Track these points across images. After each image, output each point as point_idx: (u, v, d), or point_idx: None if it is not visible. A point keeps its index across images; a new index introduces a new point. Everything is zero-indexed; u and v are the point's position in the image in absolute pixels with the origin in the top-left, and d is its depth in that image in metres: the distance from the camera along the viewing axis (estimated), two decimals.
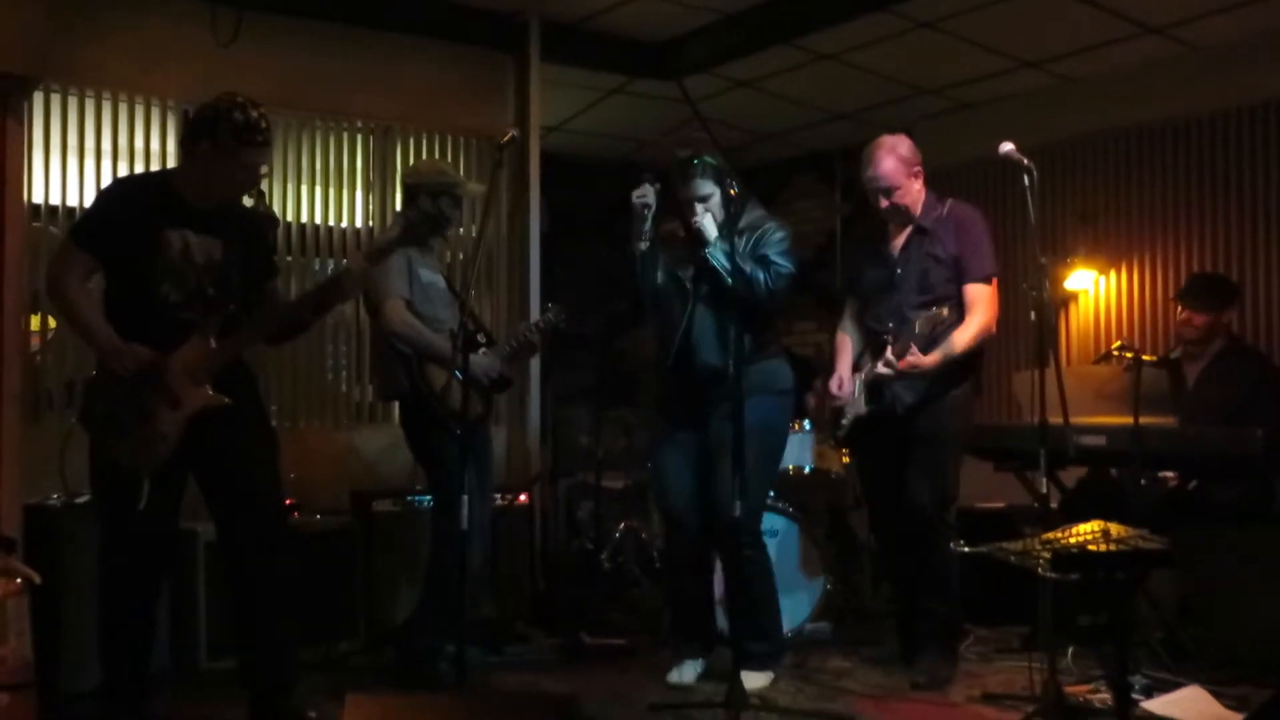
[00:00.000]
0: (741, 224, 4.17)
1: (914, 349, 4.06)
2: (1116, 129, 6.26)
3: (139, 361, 3.40)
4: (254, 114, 3.47)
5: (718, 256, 4.09)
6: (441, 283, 4.49)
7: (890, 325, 4.23)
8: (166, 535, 3.62)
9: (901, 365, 4.08)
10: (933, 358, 4.12)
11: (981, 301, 4.26)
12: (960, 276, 4.25)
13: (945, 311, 4.08)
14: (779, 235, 4.24)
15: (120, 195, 3.66)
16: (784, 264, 4.17)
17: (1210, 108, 5.89)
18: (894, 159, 4.26)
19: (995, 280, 4.31)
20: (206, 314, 3.52)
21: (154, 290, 3.49)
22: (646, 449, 4.59)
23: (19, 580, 2.63)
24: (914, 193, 4.31)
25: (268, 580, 3.59)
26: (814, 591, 5.04)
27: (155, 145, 5.13)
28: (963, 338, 4.20)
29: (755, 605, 4.24)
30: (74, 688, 3.96)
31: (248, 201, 3.65)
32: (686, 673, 4.27)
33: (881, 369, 4.13)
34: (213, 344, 3.49)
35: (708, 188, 4.16)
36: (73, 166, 5.01)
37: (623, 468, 6.06)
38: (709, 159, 4.20)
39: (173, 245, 3.50)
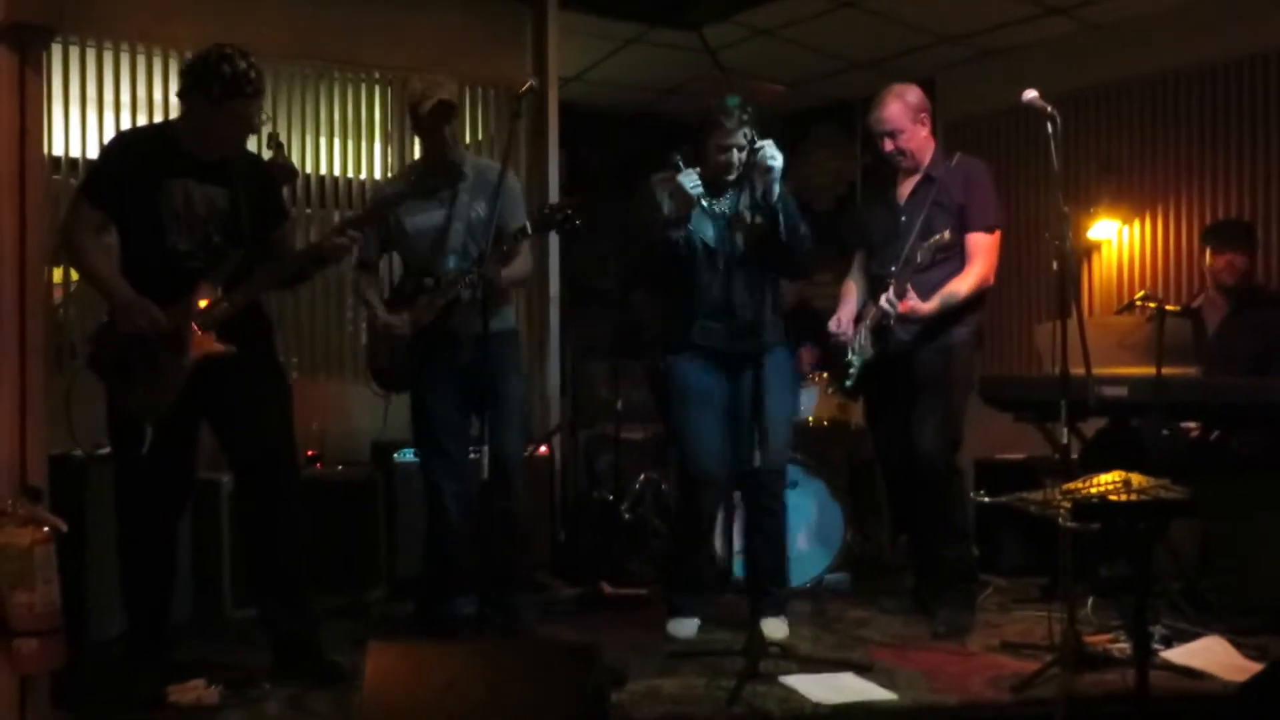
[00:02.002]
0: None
1: (911, 293, 4.09)
2: (1142, 76, 6.18)
3: (153, 323, 3.43)
4: (242, 65, 3.42)
5: (789, 205, 4.03)
6: (440, 220, 4.18)
7: (893, 270, 4.24)
8: (178, 481, 3.65)
9: (901, 308, 4.10)
10: (931, 304, 4.17)
11: (982, 251, 4.28)
12: (964, 225, 4.25)
13: (946, 234, 4.11)
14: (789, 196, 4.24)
15: (121, 148, 3.65)
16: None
17: (1238, 53, 5.80)
18: (899, 104, 4.33)
19: (999, 232, 4.33)
20: (213, 263, 3.53)
21: (161, 241, 3.50)
22: (654, 401, 4.50)
23: (46, 529, 2.66)
24: (920, 139, 4.36)
25: (279, 530, 3.63)
26: (833, 542, 5.06)
27: (173, 98, 5.11)
28: (961, 286, 4.24)
29: (778, 550, 4.26)
30: (101, 635, 4.03)
31: (267, 155, 3.65)
32: (688, 628, 4.28)
33: (883, 304, 4.14)
34: (219, 292, 3.51)
35: (748, 133, 4.03)
36: (92, 119, 5.02)
37: (642, 419, 6.06)
38: (747, 106, 4.13)
39: (176, 196, 3.51)
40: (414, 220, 4.18)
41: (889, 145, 4.37)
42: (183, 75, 3.52)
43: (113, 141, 3.71)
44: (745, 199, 4.11)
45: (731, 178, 4.17)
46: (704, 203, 4.15)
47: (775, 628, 4.13)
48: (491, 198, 4.04)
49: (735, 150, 4.08)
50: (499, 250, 3.97)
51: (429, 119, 4.09)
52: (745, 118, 4.07)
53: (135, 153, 3.56)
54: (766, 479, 4.11)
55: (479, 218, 4.13)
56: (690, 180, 4.06)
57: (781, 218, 3.99)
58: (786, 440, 4.33)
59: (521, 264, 4.22)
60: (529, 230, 4.03)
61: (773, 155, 3.92)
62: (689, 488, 4.30)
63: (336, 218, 5.52)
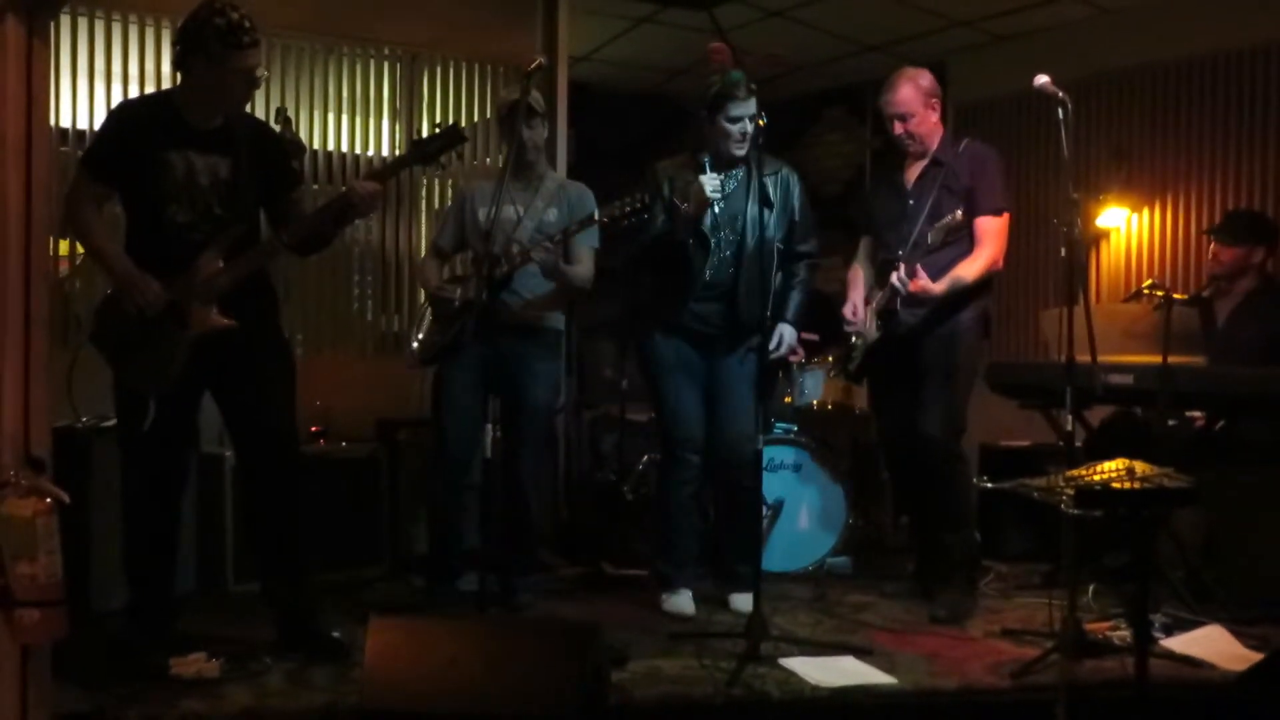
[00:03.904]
0: (766, 169, 4.21)
1: (922, 273, 4.09)
2: (1154, 63, 6.14)
3: (151, 294, 3.42)
4: (235, 15, 3.37)
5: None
6: (513, 216, 4.29)
7: (900, 254, 4.24)
8: (181, 455, 3.65)
9: (912, 287, 4.10)
10: (940, 285, 4.16)
11: (991, 235, 4.28)
12: (973, 209, 4.24)
13: (959, 214, 4.11)
14: (799, 186, 4.40)
15: (120, 120, 3.60)
16: (810, 248, 4.44)
17: (1251, 41, 5.76)
18: (912, 86, 4.32)
19: (1007, 215, 4.33)
20: (215, 234, 3.50)
21: (162, 213, 3.48)
22: (641, 375, 4.56)
23: (49, 500, 2.66)
24: (930, 124, 4.35)
25: (281, 506, 3.63)
26: (835, 526, 5.06)
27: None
28: (970, 269, 4.24)
29: (750, 531, 4.29)
30: (104, 606, 4.04)
31: (276, 127, 3.63)
32: (685, 602, 4.31)
33: (894, 283, 4.14)
34: (221, 264, 3.48)
35: (754, 107, 4.17)
36: (100, 91, 5.00)
37: (647, 400, 6.06)
38: (752, 81, 4.23)
39: (176, 167, 3.48)
40: (486, 211, 4.23)
41: (899, 128, 4.36)
42: (177, 38, 3.46)
43: (112, 113, 3.67)
44: (753, 208, 4.19)
45: (741, 152, 4.23)
46: (718, 202, 4.18)
47: (745, 602, 4.16)
48: (565, 207, 4.29)
49: (746, 121, 4.18)
50: (563, 235, 4.14)
51: (506, 117, 4.26)
52: (753, 89, 4.18)
53: (135, 124, 3.52)
54: (750, 458, 4.08)
55: (549, 222, 4.29)
56: (711, 184, 4.13)
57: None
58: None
59: (583, 270, 4.34)
60: (596, 216, 4.16)
61: (713, 189, 4.12)
62: (671, 458, 4.40)
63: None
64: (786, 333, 4.39)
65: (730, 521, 4.42)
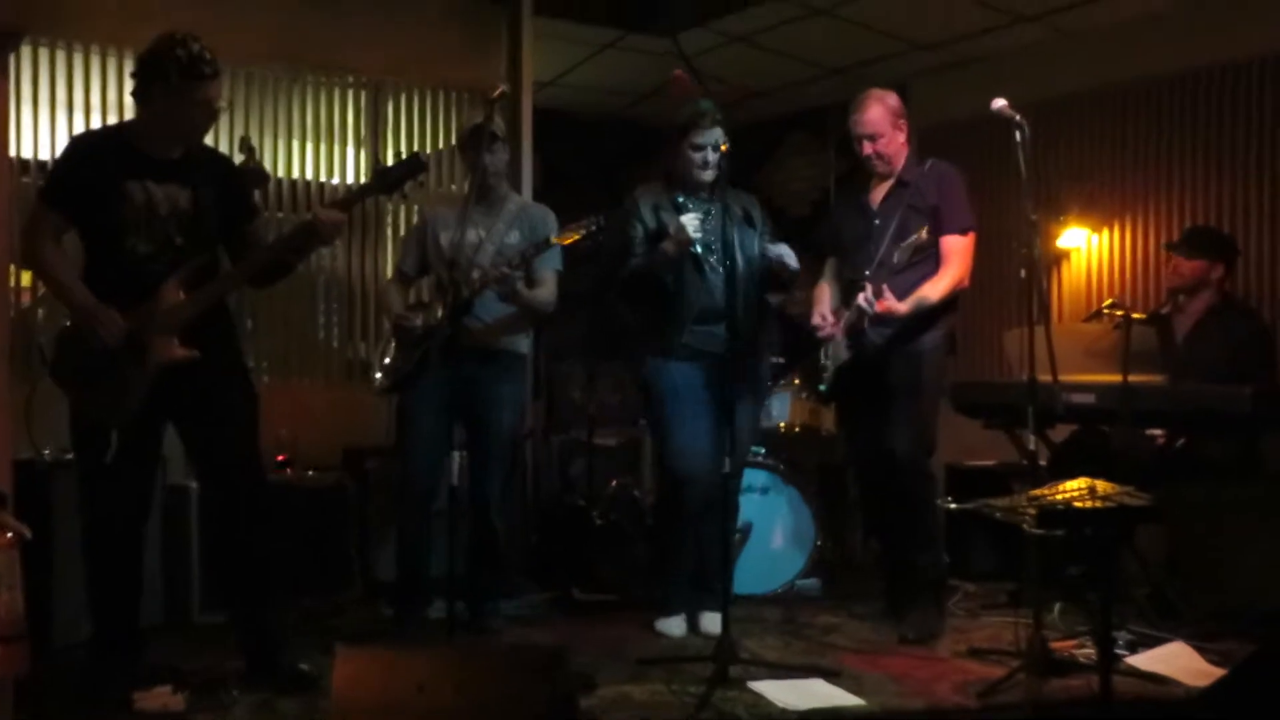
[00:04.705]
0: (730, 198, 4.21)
1: (889, 293, 4.12)
2: (1112, 85, 6.22)
3: (111, 325, 3.39)
4: (196, 47, 3.37)
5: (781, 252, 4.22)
6: (474, 240, 4.31)
7: (867, 274, 4.27)
8: (143, 487, 3.61)
9: (879, 307, 4.12)
10: (906, 305, 4.19)
11: (957, 254, 4.32)
12: (938, 228, 4.28)
13: (924, 233, 4.16)
14: (760, 213, 4.44)
15: (79, 150, 3.58)
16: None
17: (1206, 63, 5.84)
18: (881, 107, 4.37)
19: (972, 234, 4.37)
20: (176, 265, 3.48)
21: (122, 245, 3.46)
22: (638, 404, 4.58)
23: (10, 534, 2.64)
24: (897, 144, 4.41)
25: (246, 537, 3.61)
26: (804, 548, 5.08)
27: None
28: (935, 288, 4.27)
29: (728, 547, 4.32)
30: (67, 641, 4.00)
31: (238, 159, 3.62)
32: (678, 626, 4.32)
33: (861, 303, 4.16)
34: (182, 295, 3.46)
35: (721, 136, 4.23)
36: (61, 121, 4.98)
37: (615, 424, 6.07)
38: (718, 110, 4.29)
39: (135, 197, 3.45)
40: (449, 235, 4.28)
41: (868, 148, 4.40)
42: (137, 69, 3.45)
43: (70, 144, 3.64)
44: (737, 231, 4.21)
45: (706, 178, 4.27)
46: (697, 242, 4.20)
47: (712, 622, 4.17)
48: (526, 230, 4.32)
49: (710, 150, 4.23)
50: (520, 259, 4.15)
51: (468, 144, 4.33)
52: (719, 119, 4.24)
53: (93, 154, 3.50)
54: (732, 481, 4.13)
55: (510, 244, 4.32)
56: (693, 224, 4.15)
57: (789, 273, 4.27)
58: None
59: (545, 293, 4.36)
60: (551, 240, 4.20)
61: (694, 229, 4.14)
62: (674, 487, 4.34)
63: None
64: (784, 250, 4.31)
65: (710, 540, 4.33)
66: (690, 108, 4.31)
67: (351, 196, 3.94)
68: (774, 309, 4.52)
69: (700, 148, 4.24)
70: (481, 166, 4.17)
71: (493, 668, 2.97)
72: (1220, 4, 5.74)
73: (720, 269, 4.25)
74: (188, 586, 4.48)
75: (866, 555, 5.59)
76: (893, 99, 4.42)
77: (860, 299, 4.17)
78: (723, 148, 4.18)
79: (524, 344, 4.52)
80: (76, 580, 3.75)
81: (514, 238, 4.34)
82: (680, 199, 4.30)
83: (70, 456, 3.78)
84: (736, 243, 4.22)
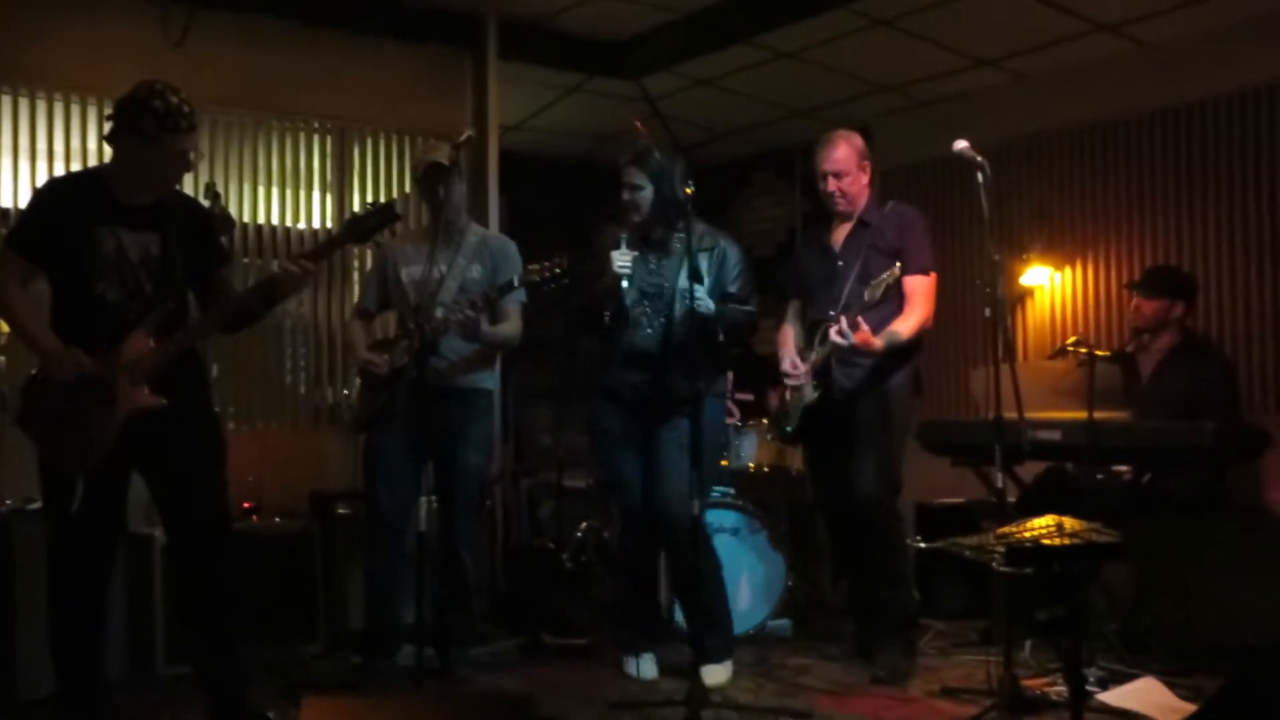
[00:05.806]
0: (700, 241, 4.16)
1: (864, 324, 4.12)
2: (1071, 125, 6.31)
3: (79, 369, 3.36)
4: (174, 100, 3.37)
5: (708, 306, 4.14)
6: (419, 272, 4.28)
7: (832, 314, 4.29)
8: (108, 536, 3.56)
9: (857, 338, 4.11)
10: (881, 339, 4.21)
11: (920, 293, 4.36)
12: (901, 269, 4.31)
13: (897, 269, 4.18)
14: (736, 258, 4.36)
15: (48, 197, 3.57)
16: (750, 308, 4.32)
17: (1163, 104, 5.94)
18: (848, 146, 4.44)
19: (934, 275, 4.42)
20: (145, 311, 3.46)
21: (91, 290, 3.44)
22: (591, 443, 4.59)
23: None
24: (860, 184, 4.47)
25: (212, 586, 3.56)
26: (774, 588, 5.06)
27: (108, 147, 5.08)
28: (905, 325, 4.31)
29: (712, 599, 4.27)
30: (30, 694, 3.94)
31: (205, 203, 3.60)
32: (646, 667, 4.30)
33: (835, 337, 4.16)
34: (151, 343, 3.44)
35: (639, 179, 4.21)
36: (24, 168, 4.96)
37: (585, 467, 6.05)
38: (656, 154, 4.24)
39: (105, 243, 3.43)
40: (410, 272, 4.31)
41: (833, 184, 4.44)
42: (113, 115, 3.45)
43: (39, 190, 3.63)
44: (683, 281, 4.14)
45: (634, 218, 4.25)
46: (628, 279, 4.17)
47: (713, 674, 4.13)
48: (488, 262, 4.33)
49: (630, 189, 4.22)
50: (484, 300, 4.15)
51: (423, 180, 4.35)
52: (645, 160, 4.21)
53: (62, 200, 3.49)
54: (685, 520, 4.05)
55: (473, 279, 4.32)
56: (620, 260, 4.13)
57: (720, 329, 4.18)
58: (710, 486, 4.54)
59: (509, 328, 4.38)
60: (515, 283, 4.19)
61: (620, 265, 4.11)
62: (623, 525, 4.49)
63: (276, 268, 5.49)
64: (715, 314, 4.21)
65: (692, 590, 4.29)
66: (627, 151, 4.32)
67: (323, 246, 3.91)
68: (727, 356, 4.46)
69: (623, 186, 4.26)
70: (439, 203, 4.23)
71: (459, 716, 2.95)
72: (1169, 49, 5.84)
73: (654, 314, 4.26)
74: (152, 637, 4.42)
75: (837, 595, 5.58)
76: (859, 140, 4.49)
77: (833, 333, 4.18)
78: (688, 190, 4.13)
79: (491, 380, 4.53)
80: (39, 632, 3.68)
81: (475, 272, 4.35)
82: (623, 237, 4.25)
83: (33, 506, 3.73)
84: (677, 293, 4.20)
